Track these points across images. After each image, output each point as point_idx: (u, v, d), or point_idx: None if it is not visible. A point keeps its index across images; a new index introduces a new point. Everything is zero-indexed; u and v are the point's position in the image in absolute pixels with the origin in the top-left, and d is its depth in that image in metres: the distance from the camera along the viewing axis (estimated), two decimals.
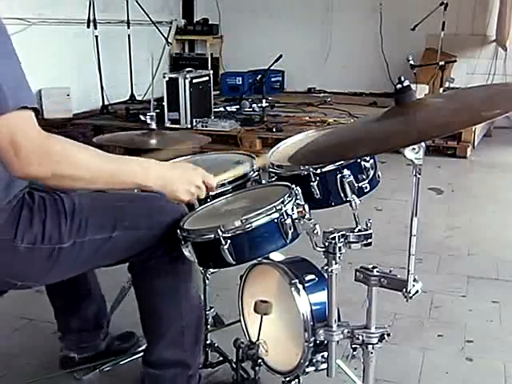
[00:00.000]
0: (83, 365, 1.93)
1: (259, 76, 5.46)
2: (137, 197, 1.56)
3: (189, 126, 4.97)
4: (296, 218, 1.42)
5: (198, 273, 1.82)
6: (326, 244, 1.37)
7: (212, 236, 1.38)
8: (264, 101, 5.18)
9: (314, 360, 1.54)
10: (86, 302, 1.91)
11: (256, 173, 1.73)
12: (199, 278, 1.85)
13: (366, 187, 1.60)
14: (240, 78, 6.55)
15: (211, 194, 1.63)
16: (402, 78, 1.25)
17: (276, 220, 1.38)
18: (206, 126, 4.92)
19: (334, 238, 1.36)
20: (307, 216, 1.43)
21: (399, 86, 1.25)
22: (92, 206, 1.45)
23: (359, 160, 1.57)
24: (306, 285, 1.54)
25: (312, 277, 1.56)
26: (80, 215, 1.41)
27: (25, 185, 1.41)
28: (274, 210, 1.38)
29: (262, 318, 1.50)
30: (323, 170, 1.56)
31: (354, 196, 1.55)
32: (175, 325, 1.60)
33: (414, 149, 1.15)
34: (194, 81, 5.02)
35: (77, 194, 1.48)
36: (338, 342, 1.41)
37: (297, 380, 1.60)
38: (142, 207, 1.52)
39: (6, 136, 1.15)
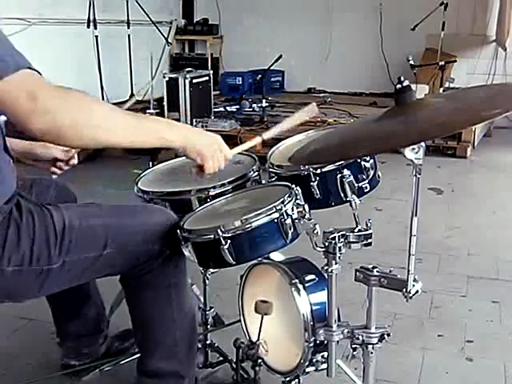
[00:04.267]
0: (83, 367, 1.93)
1: (259, 76, 5.45)
2: (127, 211, 1.52)
3: None
4: (296, 218, 1.42)
5: (197, 273, 1.83)
6: (326, 244, 1.37)
7: (212, 236, 1.38)
8: (264, 101, 5.18)
9: (314, 360, 1.54)
10: (85, 307, 1.90)
11: (256, 173, 1.73)
12: (199, 278, 1.85)
13: (366, 187, 1.60)
14: (240, 78, 6.54)
15: (211, 194, 1.64)
16: (402, 78, 1.25)
17: (276, 220, 1.38)
18: (206, 126, 4.91)
19: (334, 238, 1.36)
20: (307, 216, 1.43)
21: (399, 86, 1.25)
22: (82, 224, 1.39)
23: (359, 160, 1.57)
24: (306, 285, 1.54)
25: (312, 277, 1.56)
26: (70, 234, 1.35)
27: (10, 195, 1.33)
28: (274, 209, 1.38)
29: (262, 317, 1.50)
30: (323, 170, 1.57)
31: (354, 196, 1.55)
32: (168, 336, 1.59)
33: (413, 149, 1.15)
34: (194, 81, 5.02)
35: (67, 207, 1.43)
36: (338, 341, 1.41)
37: (297, 380, 1.60)
38: (133, 222, 1.48)
39: (22, 89, 1.12)
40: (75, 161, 1.74)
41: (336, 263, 1.37)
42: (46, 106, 1.13)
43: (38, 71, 1.18)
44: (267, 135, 1.69)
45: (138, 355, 1.71)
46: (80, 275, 1.44)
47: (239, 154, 1.94)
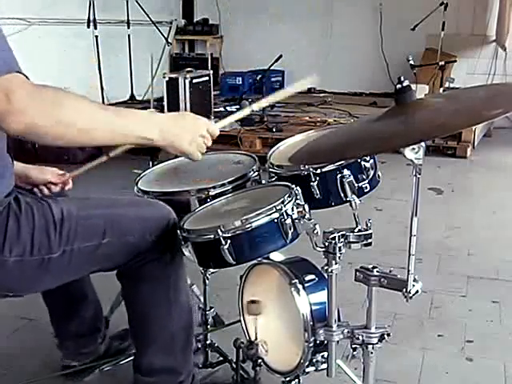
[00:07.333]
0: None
1: (259, 76, 5.44)
2: (126, 202, 1.54)
3: None
4: (296, 218, 1.42)
5: (197, 273, 1.83)
6: (326, 244, 1.37)
7: (212, 236, 1.38)
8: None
9: (314, 360, 1.54)
10: (82, 306, 1.90)
11: (256, 173, 1.73)
12: (199, 278, 1.85)
13: (366, 187, 1.60)
14: (240, 78, 6.54)
15: (211, 194, 1.64)
16: (402, 78, 1.25)
17: (276, 220, 1.38)
18: None
19: (334, 238, 1.36)
20: (307, 216, 1.43)
21: (399, 86, 1.25)
22: (80, 213, 1.41)
23: (359, 160, 1.57)
24: (306, 285, 1.54)
25: (312, 277, 1.56)
26: (69, 223, 1.37)
27: (10, 189, 1.36)
28: (274, 209, 1.38)
29: (256, 318, 1.51)
30: (323, 170, 1.57)
31: (354, 196, 1.55)
32: (165, 330, 1.59)
33: (413, 149, 1.15)
34: (194, 81, 5.01)
35: (64, 200, 1.46)
36: (338, 341, 1.41)
37: (297, 380, 1.60)
38: (132, 213, 1.50)
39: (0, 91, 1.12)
40: (70, 186, 1.76)
41: (336, 263, 1.37)
42: (21, 107, 1.13)
43: (25, 75, 1.18)
44: (256, 106, 1.68)
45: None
46: (80, 267, 1.45)
47: (240, 154, 1.95)
